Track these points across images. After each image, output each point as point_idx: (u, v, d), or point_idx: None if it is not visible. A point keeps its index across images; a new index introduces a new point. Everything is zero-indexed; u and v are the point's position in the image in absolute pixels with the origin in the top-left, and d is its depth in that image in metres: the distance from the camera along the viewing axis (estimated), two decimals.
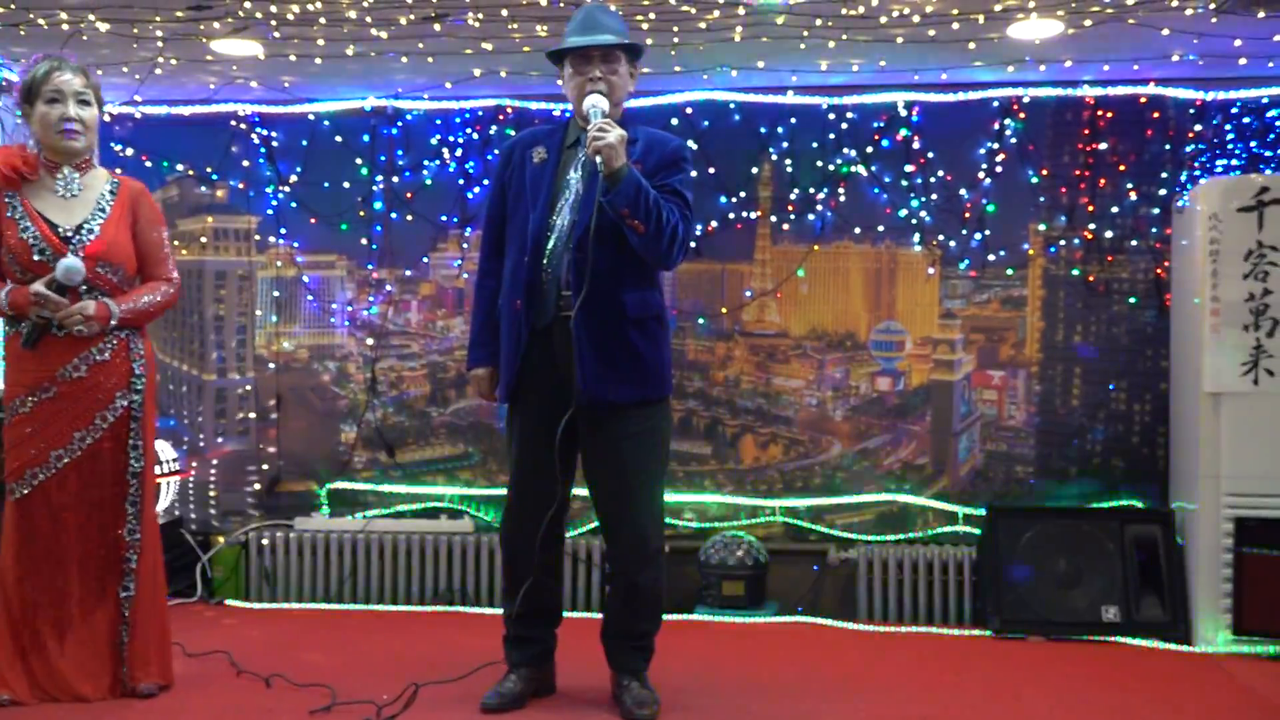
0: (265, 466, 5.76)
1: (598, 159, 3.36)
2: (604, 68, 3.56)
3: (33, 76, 3.66)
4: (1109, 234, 5.31)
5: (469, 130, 5.60)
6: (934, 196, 5.39)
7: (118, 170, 4.21)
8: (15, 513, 3.66)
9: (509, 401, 3.71)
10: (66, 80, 3.64)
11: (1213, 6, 4.35)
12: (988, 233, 5.37)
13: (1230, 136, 5.19)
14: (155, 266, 3.83)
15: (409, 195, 5.65)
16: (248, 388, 5.78)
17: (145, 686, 3.74)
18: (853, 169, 5.42)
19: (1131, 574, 4.85)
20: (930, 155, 5.38)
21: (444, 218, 5.64)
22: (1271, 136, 5.16)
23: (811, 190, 5.44)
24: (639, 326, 3.59)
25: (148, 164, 5.75)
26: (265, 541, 5.45)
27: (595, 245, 3.44)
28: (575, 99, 3.59)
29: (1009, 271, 5.38)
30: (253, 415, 5.77)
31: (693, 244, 5.32)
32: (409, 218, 5.67)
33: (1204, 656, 4.57)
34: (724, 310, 5.54)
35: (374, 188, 5.67)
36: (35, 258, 3.61)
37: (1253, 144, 5.17)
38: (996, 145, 5.35)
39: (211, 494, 5.78)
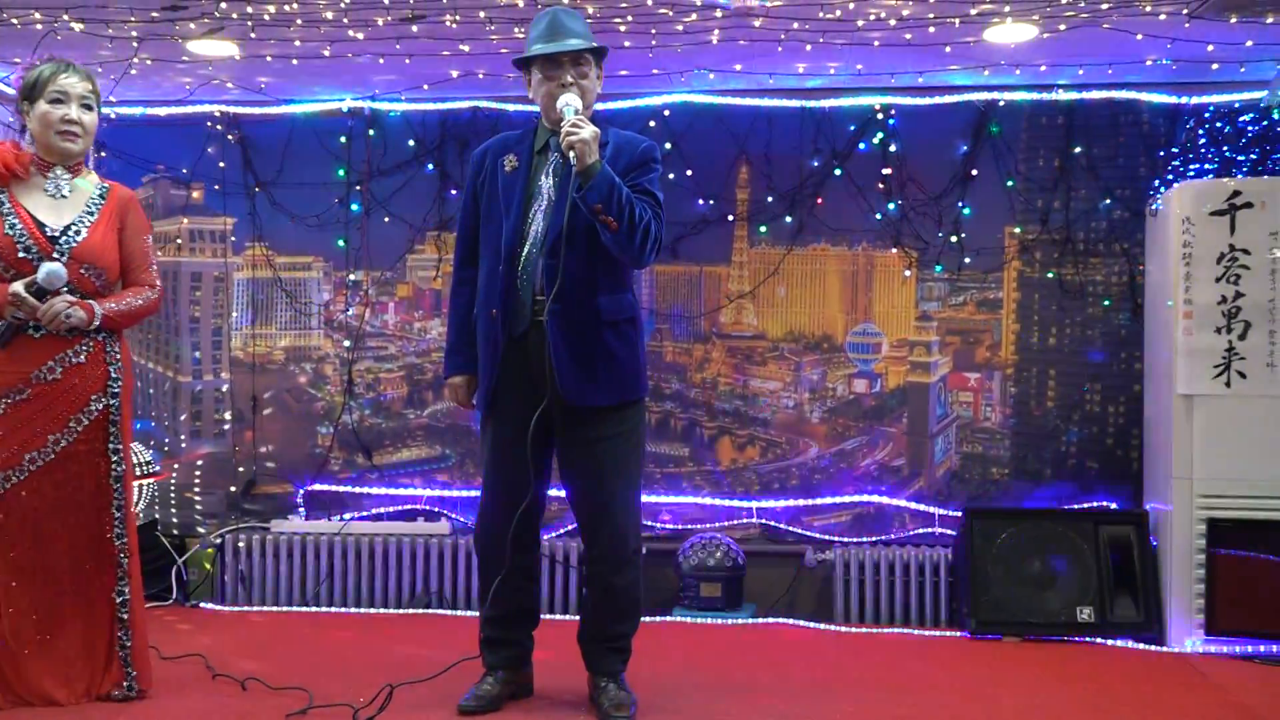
0: (241, 469, 5.74)
1: (571, 154, 3.37)
2: (574, 72, 3.55)
3: (38, 75, 3.65)
4: (1083, 237, 5.35)
5: (446, 132, 5.59)
6: (910, 199, 5.41)
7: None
8: None
9: (486, 408, 3.70)
10: (72, 83, 3.64)
11: (1185, 12, 4.39)
12: (963, 236, 5.40)
13: (1203, 141, 5.21)
14: (139, 273, 3.79)
15: (386, 197, 5.64)
16: (224, 390, 5.76)
17: (118, 692, 3.71)
18: (829, 172, 5.43)
19: (1106, 575, 4.89)
20: (906, 158, 5.40)
21: (421, 220, 5.64)
22: (1244, 141, 5.19)
23: (788, 193, 5.46)
24: (614, 329, 3.60)
25: (123, 165, 5.72)
26: (241, 544, 5.42)
27: (568, 248, 3.45)
28: (545, 105, 3.58)
29: (984, 274, 5.41)
30: (228, 417, 5.75)
31: (667, 244, 5.38)
32: (386, 219, 5.66)
33: (1177, 656, 4.60)
34: (701, 312, 5.55)
35: (351, 189, 5.66)
36: (20, 254, 3.57)
37: (1225, 148, 5.19)
38: (972, 149, 5.38)
39: (187, 496, 5.75)
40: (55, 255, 3.60)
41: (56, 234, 3.62)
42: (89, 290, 3.67)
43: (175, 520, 5.73)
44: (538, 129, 3.72)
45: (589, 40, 3.59)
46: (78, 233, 3.64)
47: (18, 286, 3.52)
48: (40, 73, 3.65)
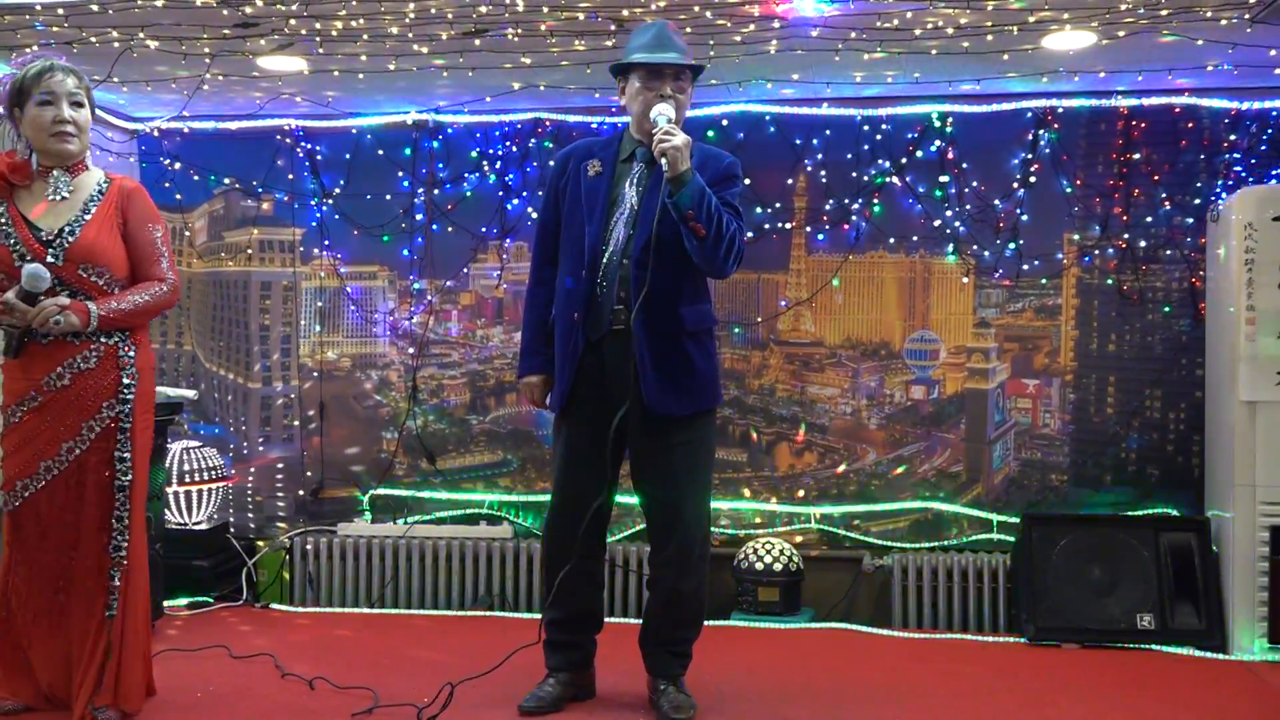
0: (309, 473, 5.86)
1: (663, 161, 3.41)
2: (674, 85, 3.60)
3: (22, 78, 3.52)
4: (1143, 243, 5.32)
5: (508, 143, 5.69)
6: (968, 206, 5.42)
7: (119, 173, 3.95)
8: (9, 525, 3.57)
9: (561, 411, 3.75)
10: (59, 81, 3.51)
11: (1248, 17, 4.36)
12: (1022, 242, 5.40)
13: (1265, 146, 5.18)
14: (148, 266, 3.63)
15: (449, 207, 5.74)
16: (292, 396, 5.89)
17: (106, 716, 3.53)
18: (887, 179, 5.46)
19: (1166, 582, 4.85)
20: (964, 166, 5.41)
21: (484, 229, 5.73)
22: None
23: (846, 201, 5.48)
24: (695, 339, 3.65)
25: (195, 178, 5.88)
26: (309, 546, 5.54)
27: (655, 258, 3.48)
28: (640, 111, 3.62)
29: (1043, 281, 5.40)
30: (297, 423, 5.88)
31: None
32: (449, 229, 5.75)
33: (1239, 664, 4.57)
34: (759, 319, 5.59)
35: (415, 200, 5.76)
36: (17, 263, 3.47)
37: None
38: (1030, 155, 5.37)
39: (257, 500, 5.89)
40: (50, 259, 3.47)
41: (50, 238, 3.50)
42: (92, 291, 3.53)
43: (244, 523, 5.87)
44: (624, 137, 3.76)
45: (690, 58, 3.66)
46: (71, 233, 3.51)
47: (8, 295, 3.42)
48: (25, 75, 3.52)
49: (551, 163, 3.95)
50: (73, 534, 3.55)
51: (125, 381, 3.58)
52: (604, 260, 3.62)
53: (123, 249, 3.60)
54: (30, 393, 3.53)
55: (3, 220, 3.52)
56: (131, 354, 3.60)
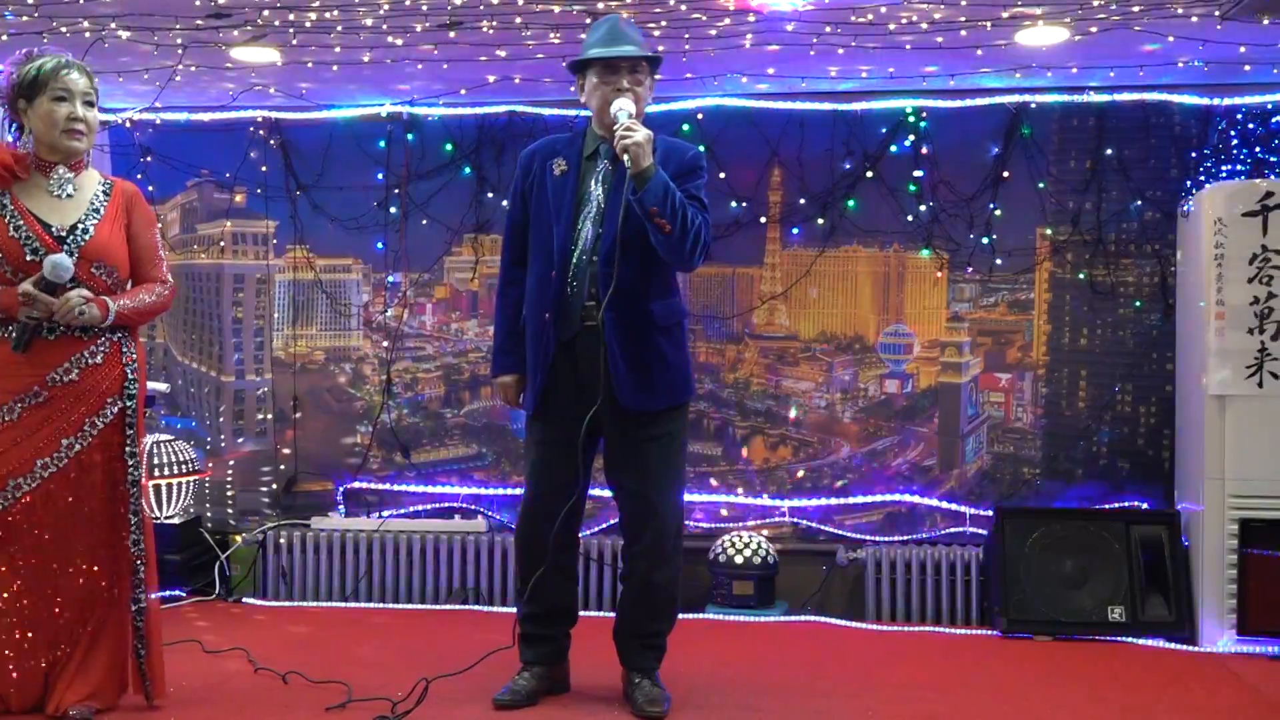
0: (282, 467, 5.84)
1: (625, 157, 3.41)
2: (630, 78, 3.59)
3: (37, 71, 3.49)
4: (1115, 238, 5.36)
5: (483, 136, 5.67)
6: (942, 201, 5.44)
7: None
8: None
9: (534, 410, 3.74)
10: (75, 80, 3.50)
11: (1218, 14, 4.40)
12: (995, 237, 5.43)
13: (1235, 142, 5.23)
14: (149, 268, 3.67)
15: (424, 200, 5.73)
16: (265, 389, 5.86)
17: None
18: (861, 174, 5.47)
19: (1137, 574, 4.90)
20: (938, 160, 5.43)
21: (458, 222, 5.71)
22: (1276, 142, 5.19)
23: (820, 195, 5.50)
24: (666, 334, 3.66)
25: (168, 169, 5.83)
26: (282, 540, 5.52)
27: (622, 256, 3.49)
28: (599, 108, 3.61)
29: (1016, 275, 5.43)
30: (270, 416, 5.85)
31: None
32: (424, 222, 5.74)
33: (1209, 656, 4.61)
34: (734, 313, 5.60)
35: (390, 192, 5.74)
36: (28, 257, 3.43)
37: (1257, 149, 5.21)
38: (1004, 150, 5.40)
39: (229, 493, 5.86)
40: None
41: (63, 234, 3.48)
42: (100, 289, 3.52)
43: (217, 516, 5.84)
44: (586, 134, 3.75)
45: (644, 49, 3.65)
46: (85, 231, 3.50)
47: (27, 285, 3.38)
48: (39, 68, 3.48)
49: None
50: (75, 534, 3.50)
51: (130, 376, 3.58)
52: (574, 260, 3.62)
53: (126, 250, 3.62)
54: (34, 388, 3.46)
55: (8, 214, 3.48)
56: (133, 349, 3.62)
